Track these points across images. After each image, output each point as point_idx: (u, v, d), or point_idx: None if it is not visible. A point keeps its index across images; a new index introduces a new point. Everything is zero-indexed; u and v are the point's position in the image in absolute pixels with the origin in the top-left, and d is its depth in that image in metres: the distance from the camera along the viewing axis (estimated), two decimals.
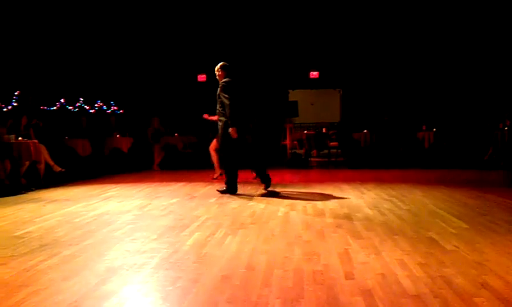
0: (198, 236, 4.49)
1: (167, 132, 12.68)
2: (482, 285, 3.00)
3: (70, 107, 13.43)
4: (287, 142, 13.68)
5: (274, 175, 9.92)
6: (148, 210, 6.02)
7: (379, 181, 8.66)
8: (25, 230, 4.89)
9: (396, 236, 4.31)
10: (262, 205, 6.21)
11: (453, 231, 4.51)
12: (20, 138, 8.58)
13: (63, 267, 3.56)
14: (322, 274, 3.27)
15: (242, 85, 7.39)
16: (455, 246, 3.94)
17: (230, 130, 7.02)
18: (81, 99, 13.85)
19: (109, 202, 6.74)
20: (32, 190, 8.03)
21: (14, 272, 3.46)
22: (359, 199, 6.63)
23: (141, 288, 3.10)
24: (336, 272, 3.30)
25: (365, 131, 13.41)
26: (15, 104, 11.35)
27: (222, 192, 7.29)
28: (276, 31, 15.03)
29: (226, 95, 7.05)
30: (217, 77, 7.40)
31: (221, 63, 7.40)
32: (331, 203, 6.28)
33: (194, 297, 2.91)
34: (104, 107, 14.72)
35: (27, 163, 8.41)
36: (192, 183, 8.64)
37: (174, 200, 6.81)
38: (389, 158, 13.00)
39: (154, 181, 9.20)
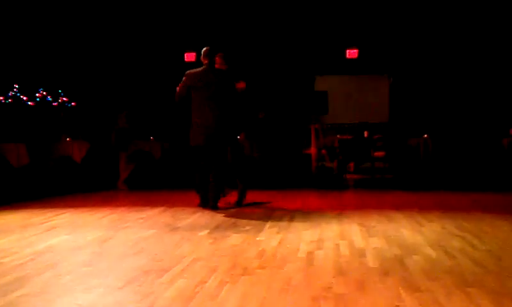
0: (183, 284, 4.46)
1: (138, 135, 12.70)
2: None
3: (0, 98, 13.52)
4: (312, 150, 13.64)
5: (295, 197, 9.91)
6: (110, 247, 6.02)
7: (446, 209, 8.61)
8: None
9: (470, 289, 4.26)
10: (274, 241, 6.18)
11: None
12: None
13: None
14: None
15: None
16: None
17: None
18: (16, 86, 13.94)
19: (54, 234, 6.74)
20: None
21: None
22: (416, 233, 6.58)
23: None
24: None
25: (425, 136, 13.37)
26: None
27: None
28: None
29: None
30: None
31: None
32: (375, 240, 6.24)
33: None
34: (49, 98, 14.80)
35: None
36: (175, 209, 8.62)
37: (148, 232, 6.81)
38: (459, 175, 12.93)
39: (119, 206, 9.20)
